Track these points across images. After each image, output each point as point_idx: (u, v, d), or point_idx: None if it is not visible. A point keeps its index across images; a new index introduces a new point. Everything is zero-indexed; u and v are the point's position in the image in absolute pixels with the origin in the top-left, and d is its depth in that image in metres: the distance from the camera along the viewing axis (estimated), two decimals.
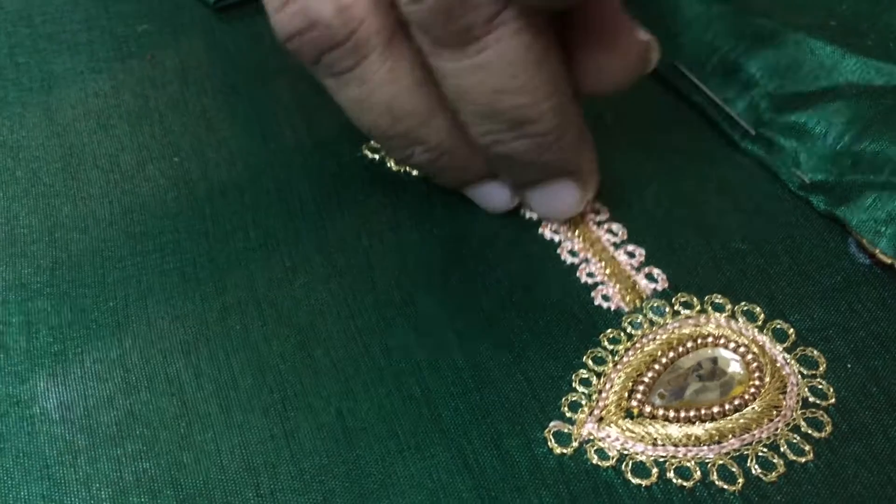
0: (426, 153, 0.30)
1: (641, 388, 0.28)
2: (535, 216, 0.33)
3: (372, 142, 0.36)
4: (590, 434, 0.28)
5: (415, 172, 0.35)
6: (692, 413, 0.28)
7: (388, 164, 0.35)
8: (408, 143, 0.30)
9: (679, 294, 0.31)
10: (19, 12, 0.41)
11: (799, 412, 0.28)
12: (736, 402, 0.28)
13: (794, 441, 0.27)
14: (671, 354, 0.29)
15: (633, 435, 0.27)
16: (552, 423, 0.28)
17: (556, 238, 0.33)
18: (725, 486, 0.26)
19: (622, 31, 0.28)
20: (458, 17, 0.25)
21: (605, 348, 0.30)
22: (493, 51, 0.26)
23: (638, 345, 0.30)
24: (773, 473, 0.27)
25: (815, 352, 0.29)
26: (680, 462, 0.27)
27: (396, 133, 0.29)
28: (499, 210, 0.33)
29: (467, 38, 0.26)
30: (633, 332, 0.30)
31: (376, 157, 0.35)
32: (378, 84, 0.28)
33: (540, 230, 0.33)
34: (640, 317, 0.30)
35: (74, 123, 0.36)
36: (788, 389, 0.28)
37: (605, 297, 0.31)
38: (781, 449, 0.27)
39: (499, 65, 0.26)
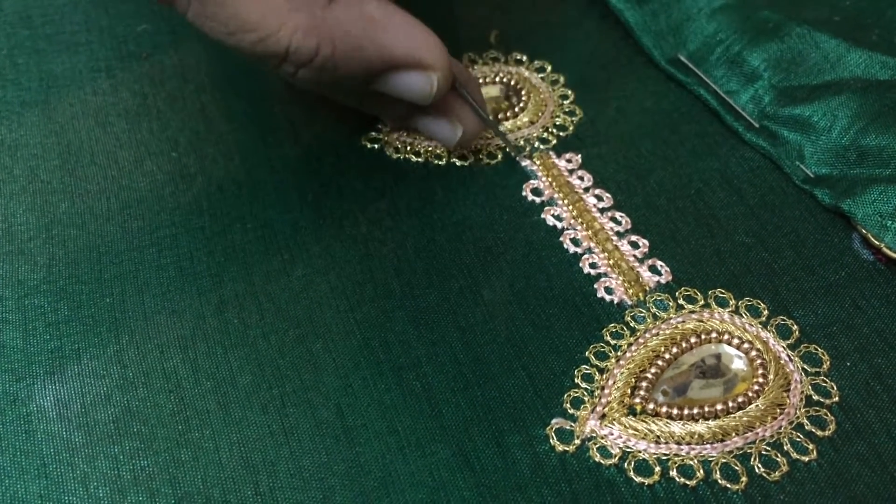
0: (350, 97, 0.33)
1: (644, 384, 0.28)
2: (536, 199, 0.33)
3: (371, 132, 0.36)
4: (592, 431, 0.27)
5: (414, 159, 0.35)
6: (695, 410, 0.27)
7: (388, 153, 0.35)
8: (335, 94, 0.33)
9: (683, 288, 0.31)
10: (19, 13, 0.41)
11: (802, 410, 0.28)
12: (739, 399, 0.28)
13: (798, 439, 0.27)
14: (674, 350, 0.29)
15: (636, 432, 0.27)
16: (554, 421, 0.28)
17: (559, 225, 0.33)
18: (728, 485, 0.26)
19: None
20: None
21: (607, 343, 0.29)
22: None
23: (641, 340, 0.29)
24: (777, 472, 0.26)
25: (819, 349, 0.29)
26: (683, 460, 0.27)
27: (323, 92, 0.32)
28: (425, 96, 0.32)
29: None
30: (636, 326, 0.30)
31: (375, 146, 0.35)
32: None
33: (542, 216, 0.33)
34: (644, 310, 0.30)
35: (73, 122, 0.36)
36: (792, 387, 0.28)
37: (608, 290, 0.31)
38: (785, 447, 0.27)
39: (208, 8, 0.27)
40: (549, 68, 0.38)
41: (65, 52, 0.39)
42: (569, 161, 0.35)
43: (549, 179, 0.34)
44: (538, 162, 0.34)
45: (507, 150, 0.35)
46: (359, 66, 0.29)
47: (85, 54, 0.39)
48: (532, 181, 0.34)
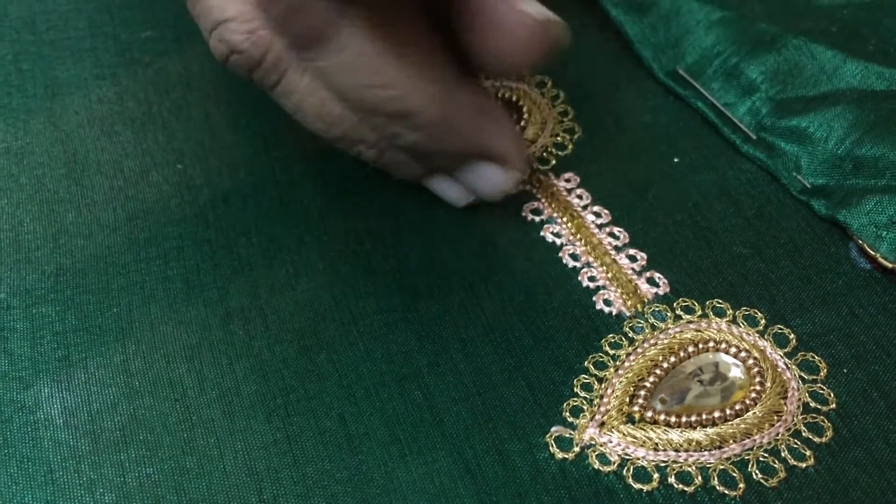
0: (370, 150, 0.31)
1: (643, 392, 0.28)
2: (536, 218, 0.34)
3: None
4: (591, 439, 0.28)
5: None
6: (693, 418, 0.28)
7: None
8: (350, 143, 0.31)
9: (680, 298, 0.31)
10: (23, 19, 0.41)
11: (800, 417, 0.28)
12: (737, 406, 0.28)
13: (795, 446, 0.27)
14: (672, 359, 0.29)
15: (635, 440, 0.27)
16: (554, 428, 0.28)
17: (558, 241, 0.33)
18: (726, 492, 0.26)
19: (505, 12, 0.28)
20: (301, 16, 0.27)
21: (606, 353, 0.30)
22: (345, 48, 0.28)
23: (639, 349, 0.30)
24: (774, 479, 0.27)
25: (816, 357, 0.29)
26: (681, 467, 0.27)
27: (335, 136, 0.31)
28: (498, 193, 0.33)
29: (318, 38, 0.28)
30: (634, 336, 0.30)
31: None
32: (303, 95, 0.30)
33: (542, 233, 0.33)
34: (642, 321, 0.30)
35: (78, 130, 0.37)
36: (789, 394, 0.28)
37: (607, 302, 0.31)
38: (782, 454, 0.27)
39: (356, 61, 0.28)
40: (549, 83, 0.38)
41: (69, 58, 0.39)
42: (567, 181, 0.35)
43: (548, 200, 0.34)
44: (537, 184, 0.35)
45: None
46: (459, 146, 0.31)
47: (90, 61, 0.39)
48: (532, 203, 0.34)
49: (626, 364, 0.29)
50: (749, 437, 0.27)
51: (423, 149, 0.30)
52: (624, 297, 0.31)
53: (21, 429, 0.28)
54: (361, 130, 0.30)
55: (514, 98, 0.37)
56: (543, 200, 0.34)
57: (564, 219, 0.33)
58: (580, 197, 0.34)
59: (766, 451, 0.27)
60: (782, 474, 0.27)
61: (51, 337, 0.30)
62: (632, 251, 0.32)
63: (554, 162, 0.35)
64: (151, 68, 0.39)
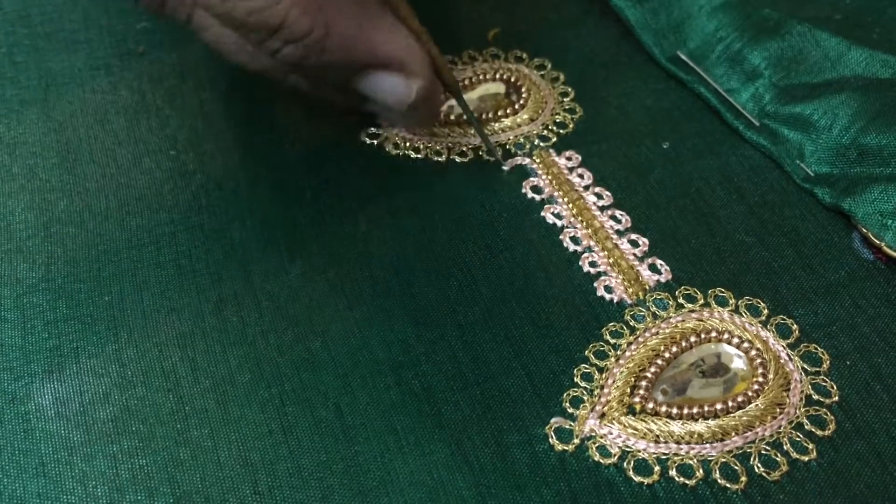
0: (277, 75, 0.32)
1: (644, 383, 0.28)
2: (536, 197, 0.33)
3: (370, 129, 0.36)
4: (591, 430, 0.27)
5: (413, 155, 0.35)
6: (695, 410, 0.27)
7: (387, 149, 0.35)
8: (267, 74, 0.31)
9: (682, 287, 0.31)
10: (18, 12, 0.41)
11: (802, 410, 0.28)
12: (739, 398, 0.28)
13: (798, 439, 0.27)
14: (674, 349, 0.29)
15: (636, 432, 0.27)
16: (553, 420, 0.27)
17: (559, 223, 0.33)
18: (728, 485, 0.26)
19: None
20: None
21: (607, 342, 0.29)
22: None
23: (640, 339, 0.29)
24: (776, 472, 0.26)
25: (819, 348, 0.29)
26: (682, 460, 0.27)
27: (255, 68, 0.31)
28: (402, 101, 0.32)
29: None
30: (635, 325, 0.30)
31: (374, 142, 0.35)
32: (213, 29, 0.30)
33: (542, 213, 0.33)
34: (643, 309, 0.30)
35: (72, 119, 0.36)
36: (792, 386, 0.28)
37: (608, 289, 0.31)
38: (784, 447, 0.27)
39: None
40: (550, 66, 0.38)
41: (64, 50, 0.39)
42: (569, 159, 0.34)
43: (549, 177, 0.34)
44: (538, 160, 0.34)
45: (490, 156, 0.35)
46: (344, 56, 0.30)
47: (84, 52, 0.39)
48: (532, 179, 0.34)
49: (628, 354, 0.29)
50: (751, 430, 0.27)
51: (308, 63, 0.30)
52: (625, 284, 0.31)
53: (12, 420, 0.28)
54: (259, 57, 0.30)
55: (512, 78, 0.37)
56: (544, 177, 0.34)
57: (565, 199, 0.33)
58: (581, 176, 0.34)
59: (768, 443, 0.27)
60: (784, 467, 0.26)
61: (42, 326, 0.30)
62: (633, 236, 0.32)
63: (555, 139, 0.35)
64: (146, 58, 0.39)
